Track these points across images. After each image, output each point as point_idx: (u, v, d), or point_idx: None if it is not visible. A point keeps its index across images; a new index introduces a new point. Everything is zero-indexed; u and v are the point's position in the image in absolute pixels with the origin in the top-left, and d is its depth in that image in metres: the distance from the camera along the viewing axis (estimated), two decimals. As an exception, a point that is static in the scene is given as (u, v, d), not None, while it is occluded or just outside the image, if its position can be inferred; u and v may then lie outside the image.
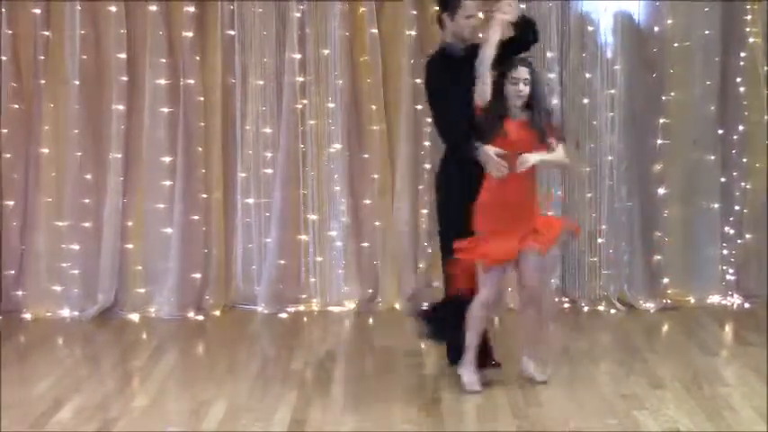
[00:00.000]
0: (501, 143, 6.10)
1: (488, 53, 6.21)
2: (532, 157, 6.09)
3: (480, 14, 6.64)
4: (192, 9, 8.44)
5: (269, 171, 8.65)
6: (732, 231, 8.68)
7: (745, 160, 8.64)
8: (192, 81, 8.53)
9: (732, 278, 8.67)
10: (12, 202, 8.62)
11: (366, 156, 8.68)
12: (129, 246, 8.70)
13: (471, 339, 6.32)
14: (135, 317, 8.53)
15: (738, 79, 8.58)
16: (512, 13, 6.24)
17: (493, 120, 6.14)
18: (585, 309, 8.45)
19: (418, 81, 8.35)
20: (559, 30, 8.46)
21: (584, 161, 8.54)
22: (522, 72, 6.25)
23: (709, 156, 8.58)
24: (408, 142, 8.54)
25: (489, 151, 6.07)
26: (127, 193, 8.66)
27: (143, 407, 6.28)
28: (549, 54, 8.31)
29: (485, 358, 6.57)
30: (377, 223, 8.70)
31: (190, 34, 8.47)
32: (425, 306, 7.07)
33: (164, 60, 8.52)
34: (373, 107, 8.58)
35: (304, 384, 6.67)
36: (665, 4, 8.51)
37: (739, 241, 8.69)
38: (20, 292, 8.70)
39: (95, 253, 8.64)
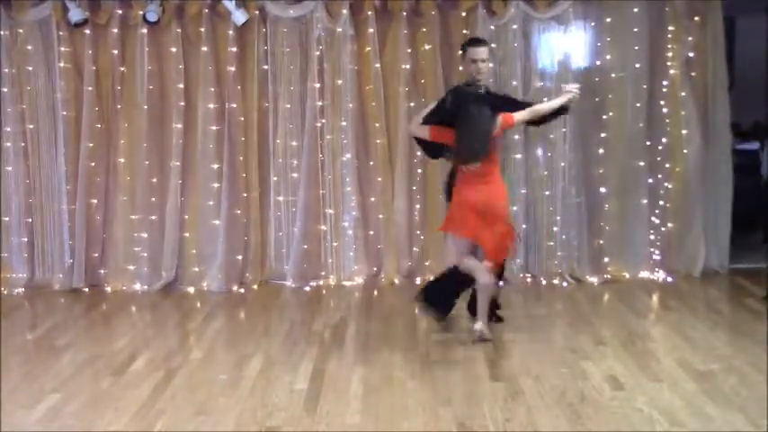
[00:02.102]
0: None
1: (548, 105, 6.62)
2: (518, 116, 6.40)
3: (486, 61, 6.61)
4: (234, 49, 8.44)
5: (295, 175, 8.64)
6: (658, 221, 8.66)
7: (667, 165, 8.61)
8: (234, 105, 8.52)
9: (658, 258, 8.65)
10: (96, 201, 8.63)
11: (371, 163, 8.66)
12: (186, 234, 8.70)
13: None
14: (191, 290, 8.54)
15: (662, 102, 8.55)
16: (576, 99, 6.66)
17: None
18: (544, 282, 8.43)
19: (412, 104, 8.38)
20: (522, 64, 8.45)
21: (542, 167, 8.56)
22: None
23: (639, 162, 8.56)
24: (404, 152, 8.52)
25: None
26: (184, 193, 8.66)
27: (198, 359, 6.32)
28: (514, 82, 8.31)
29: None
30: (380, 216, 8.68)
31: (233, 68, 8.47)
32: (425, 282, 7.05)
33: (213, 89, 8.50)
34: (377, 125, 8.56)
35: (323, 342, 6.68)
36: (605, 43, 8.50)
37: (663, 229, 8.67)
38: (102, 271, 8.72)
39: (160, 240, 8.65)
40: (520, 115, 6.49)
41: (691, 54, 8.49)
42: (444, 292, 6.86)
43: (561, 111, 6.72)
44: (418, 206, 8.64)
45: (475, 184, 6.37)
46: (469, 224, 6.39)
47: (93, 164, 8.57)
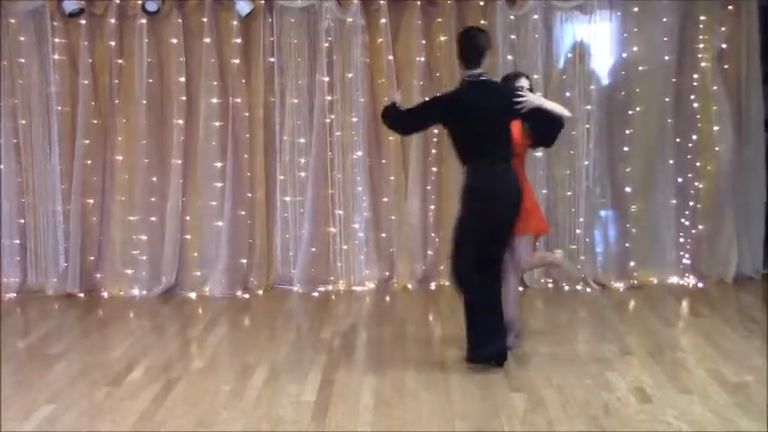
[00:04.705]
0: None
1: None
2: (534, 98, 5.94)
3: None
4: (238, 40, 8.46)
5: (303, 174, 8.66)
6: (687, 223, 8.64)
7: (698, 164, 8.59)
8: (239, 100, 8.54)
9: (687, 262, 8.63)
10: (92, 201, 8.65)
11: (384, 161, 8.68)
12: (188, 236, 8.72)
13: None
14: (192, 295, 8.55)
15: (692, 96, 8.54)
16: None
17: None
18: (566, 288, 8.42)
19: (427, 98, 8.36)
20: (544, 56, 8.45)
21: (564, 165, 8.55)
22: (523, 82, 6.27)
23: (668, 160, 8.55)
24: (419, 150, 8.54)
25: None
26: (185, 193, 8.68)
27: (200, 368, 6.32)
28: (535, 76, 8.27)
29: None
30: (393, 217, 8.69)
31: (237, 61, 8.49)
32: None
33: (216, 83, 8.53)
34: (389, 121, 8.58)
35: (332, 351, 6.67)
36: (632, 34, 8.49)
37: (693, 231, 8.65)
38: (99, 275, 8.74)
39: (160, 242, 8.67)
40: None
41: (723, 46, 8.48)
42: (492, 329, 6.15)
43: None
44: (433, 207, 8.64)
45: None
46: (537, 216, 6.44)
47: (89, 162, 8.60)
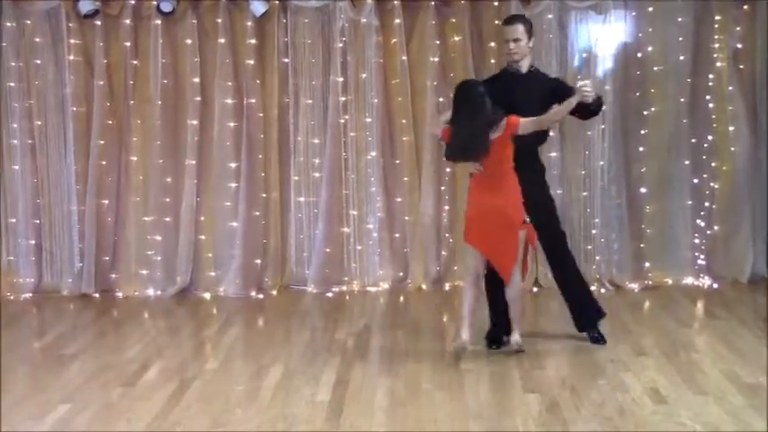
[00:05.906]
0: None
1: (560, 111, 6.21)
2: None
3: (520, 40, 6.45)
4: (253, 41, 8.48)
5: (317, 175, 8.67)
6: (703, 224, 8.61)
7: (713, 164, 8.57)
8: (253, 100, 8.56)
9: (703, 263, 8.60)
10: (107, 201, 8.68)
11: (397, 162, 8.68)
12: (202, 237, 8.74)
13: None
14: (207, 295, 8.57)
15: (707, 96, 8.51)
16: (590, 96, 6.10)
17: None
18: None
19: (441, 99, 8.38)
20: (558, 57, 8.44)
21: (579, 165, 8.54)
22: None
23: (683, 160, 8.53)
24: (432, 150, 8.53)
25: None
26: (200, 193, 8.70)
27: (214, 369, 6.34)
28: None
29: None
30: (406, 218, 8.69)
31: (251, 62, 8.51)
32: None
33: (230, 83, 8.55)
34: (403, 121, 8.58)
35: (346, 351, 6.68)
36: (646, 33, 8.47)
37: (708, 232, 8.62)
38: (113, 275, 8.76)
39: (174, 243, 8.69)
40: (525, 122, 6.09)
41: (739, 45, 8.46)
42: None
43: (591, 111, 6.42)
44: (447, 207, 8.64)
45: (490, 189, 6.18)
46: (487, 237, 6.25)
47: (104, 162, 8.63)
